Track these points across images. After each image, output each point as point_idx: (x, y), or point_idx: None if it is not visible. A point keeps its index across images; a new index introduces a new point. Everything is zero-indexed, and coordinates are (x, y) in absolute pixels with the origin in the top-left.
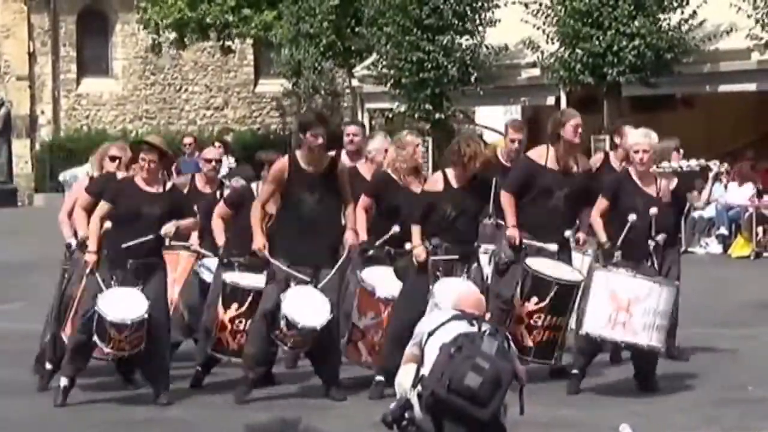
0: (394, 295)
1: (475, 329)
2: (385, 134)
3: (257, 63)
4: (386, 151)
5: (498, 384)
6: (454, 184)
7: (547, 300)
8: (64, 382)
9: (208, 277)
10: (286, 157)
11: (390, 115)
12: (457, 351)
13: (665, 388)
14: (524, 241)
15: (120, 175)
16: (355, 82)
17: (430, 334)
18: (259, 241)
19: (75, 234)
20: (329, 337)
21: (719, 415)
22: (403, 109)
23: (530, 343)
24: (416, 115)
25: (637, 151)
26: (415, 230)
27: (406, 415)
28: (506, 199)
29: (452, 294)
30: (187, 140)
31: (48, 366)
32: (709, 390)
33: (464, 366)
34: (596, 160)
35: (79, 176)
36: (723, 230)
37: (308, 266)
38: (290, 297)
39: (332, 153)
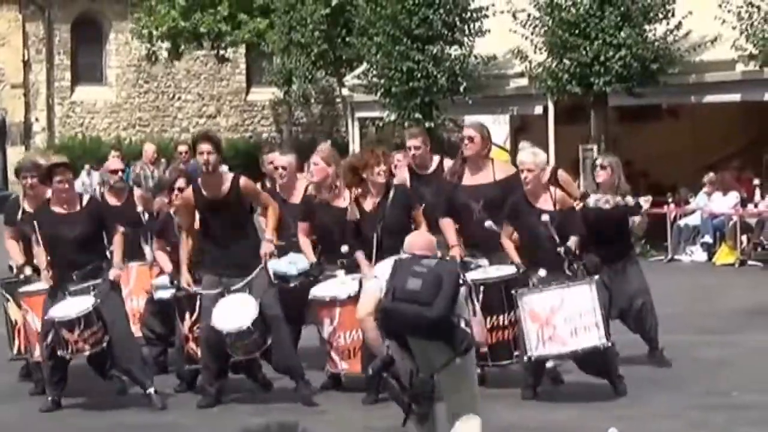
0: (335, 295)
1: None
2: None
3: (249, 72)
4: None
5: (439, 284)
6: (367, 207)
7: (479, 302)
8: (51, 398)
9: (163, 295)
10: (190, 186)
11: (380, 124)
12: (398, 268)
13: (651, 393)
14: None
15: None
16: (345, 91)
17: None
18: (184, 280)
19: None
20: (276, 336)
21: (704, 421)
22: (393, 117)
23: (484, 348)
24: (406, 124)
25: (522, 171)
26: (448, 226)
27: (388, 367)
28: (443, 224)
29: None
30: (182, 148)
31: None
32: (694, 396)
33: (404, 275)
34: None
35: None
36: (708, 238)
37: (234, 277)
38: (218, 309)
39: (232, 174)
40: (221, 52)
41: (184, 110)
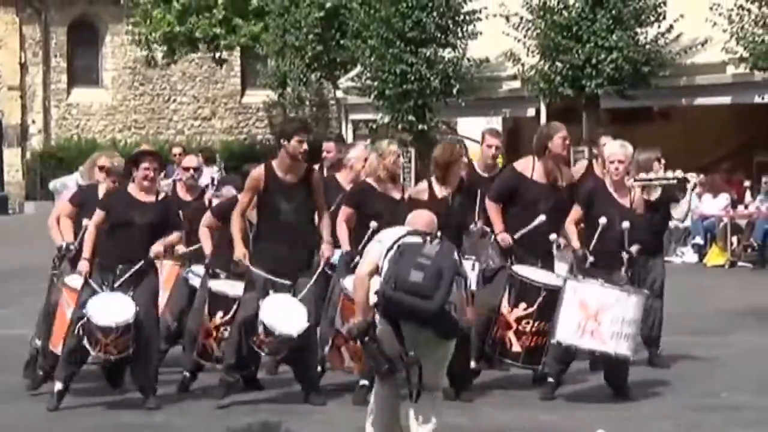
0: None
1: (421, 240)
2: (365, 144)
3: (244, 74)
4: (365, 160)
5: (440, 277)
6: (439, 193)
7: (536, 306)
8: (58, 386)
9: (197, 283)
10: (263, 165)
11: (374, 126)
12: (400, 256)
13: (642, 395)
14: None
15: (103, 186)
16: (339, 94)
17: (388, 250)
18: (239, 251)
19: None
20: (307, 345)
21: (696, 422)
22: (386, 120)
23: (519, 349)
24: (399, 126)
25: (612, 162)
26: None
27: (370, 332)
28: (492, 208)
29: (395, 232)
30: (176, 150)
31: (40, 372)
32: (686, 397)
33: (408, 266)
34: (579, 168)
35: (68, 184)
36: (698, 240)
37: (286, 274)
38: (268, 304)
39: (309, 164)
40: (217, 54)
41: (180, 112)
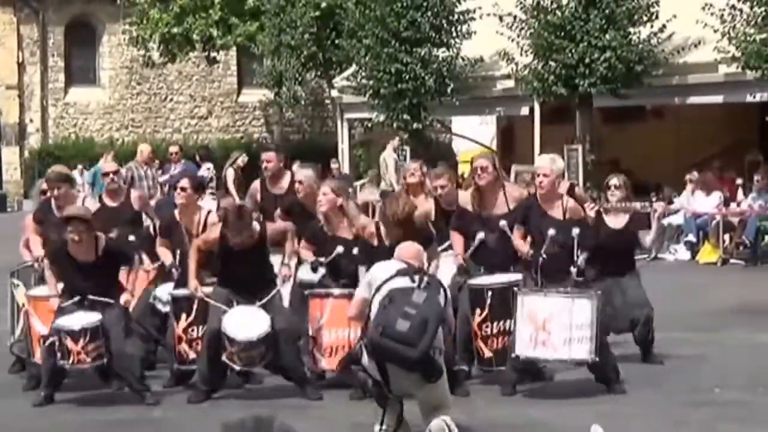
0: (332, 289)
1: (412, 284)
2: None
3: (240, 73)
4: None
5: (425, 327)
6: (387, 241)
7: (487, 308)
8: (45, 393)
9: (163, 308)
10: (217, 230)
11: (369, 125)
12: (390, 303)
13: (633, 390)
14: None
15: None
16: (335, 93)
17: (377, 289)
18: (191, 285)
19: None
20: (284, 348)
21: (687, 418)
22: (381, 118)
23: (489, 353)
24: (394, 125)
25: (538, 175)
26: (457, 239)
27: (358, 362)
28: (452, 236)
29: (379, 271)
30: (173, 149)
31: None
32: (677, 393)
33: (395, 314)
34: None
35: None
36: (691, 237)
37: (248, 294)
38: (229, 316)
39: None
40: (212, 54)
41: (176, 111)
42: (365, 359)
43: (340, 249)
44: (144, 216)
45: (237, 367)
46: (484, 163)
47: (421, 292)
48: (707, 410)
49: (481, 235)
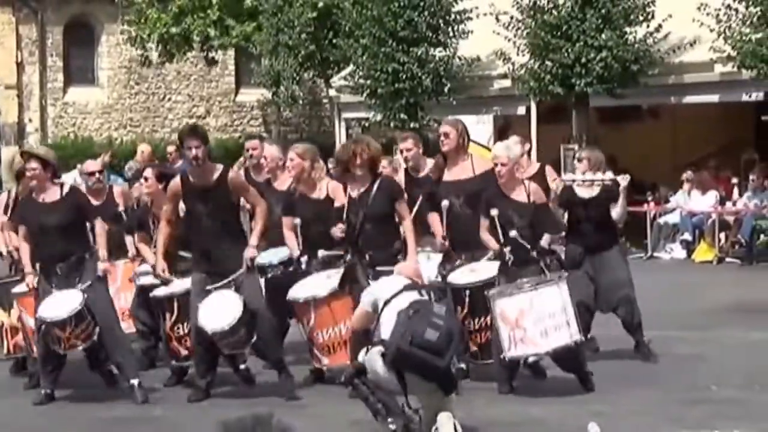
0: (312, 294)
1: (426, 297)
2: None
3: (238, 73)
4: (280, 160)
5: (451, 338)
6: (353, 192)
7: (466, 305)
8: (45, 391)
9: (144, 281)
10: (179, 175)
11: (366, 124)
12: (415, 313)
13: (629, 388)
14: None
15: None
16: (332, 92)
17: (386, 303)
18: (158, 266)
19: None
20: (263, 329)
21: (683, 415)
22: (378, 118)
23: (475, 347)
24: (392, 124)
25: (496, 164)
26: (434, 220)
27: (360, 376)
28: (430, 218)
29: (385, 287)
30: (170, 148)
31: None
32: (673, 390)
33: (423, 324)
34: (531, 170)
35: (65, 181)
36: (687, 236)
37: (221, 272)
38: (203, 306)
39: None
40: (210, 54)
41: (175, 111)
42: (379, 370)
43: (297, 221)
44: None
45: (225, 352)
46: (446, 129)
47: (441, 304)
48: (703, 408)
49: (445, 203)
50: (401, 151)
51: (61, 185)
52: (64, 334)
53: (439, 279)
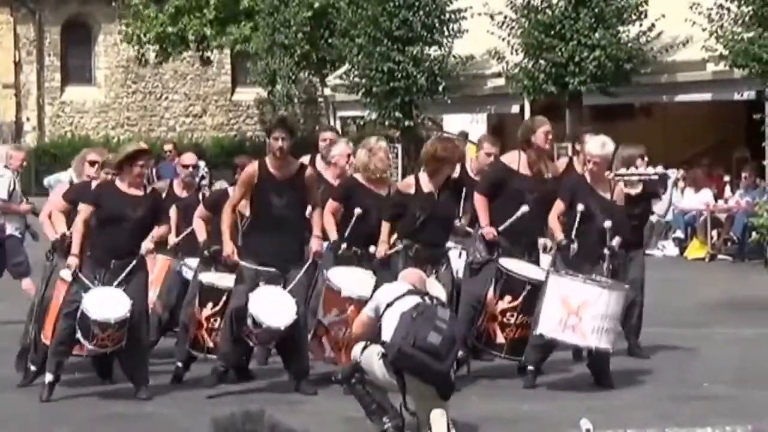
0: (359, 295)
1: (429, 301)
2: (347, 140)
3: (234, 72)
4: (348, 156)
5: (453, 342)
6: (425, 188)
7: (520, 299)
8: (49, 378)
9: (190, 275)
10: (256, 162)
11: (361, 123)
12: (419, 315)
13: (622, 385)
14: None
15: (94, 183)
16: (328, 91)
17: (388, 305)
18: (227, 248)
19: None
20: (297, 335)
21: (675, 411)
22: (374, 116)
23: (503, 340)
24: (386, 123)
25: (590, 159)
26: (384, 227)
27: (356, 375)
28: (479, 200)
29: (388, 291)
30: (167, 147)
31: (31, 367)
32: (666, 387)
33: (427, 327)
34: (560, 165)
35: (63, 180)
36: (679, 233)
37: (277, 265)
38: (257, 296)
39: (303, 159)
40: (207, 53)
41: (171, 110)
42: (376, 369)
43: (358, 211)
44: None
45: (251, 343)
46: (549, 127)
47: (443, 309)
48: (696, 404)
49: (525, 208)
50: (488, 155)
51: (144, 184)
52: (102, 335)
53: (480, 258)
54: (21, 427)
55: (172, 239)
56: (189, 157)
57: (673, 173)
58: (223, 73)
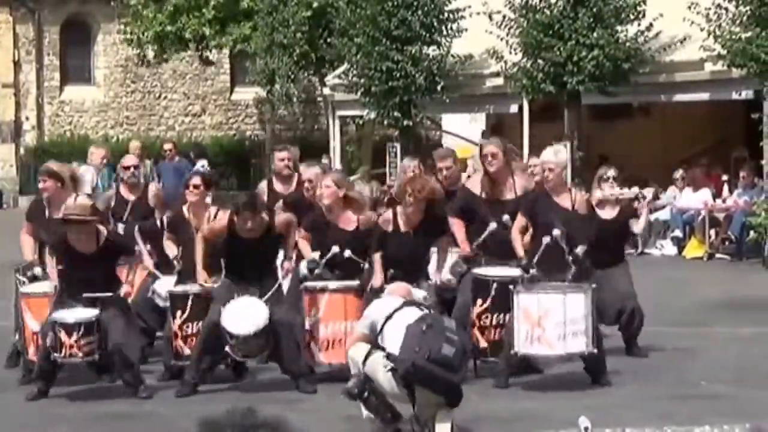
0: (326, 284)
1: (428, 312)
2: (318, 166)
3: (233, 72)
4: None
5: (465, 352)
6: (403, 226)
7: (489, 299)
8: (39, 387)
9: (161, 303)
10: (227, 216)
11: (360, 122)
12: (428, 328)
13: (621, 383)
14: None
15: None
16: (326, 91)
17: (387, 318)
18: (200, 277)
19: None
20: (284, 341)
21: (673, 410)
22: (372, 116)
23: (485, 344)
24: (385, 122)
25: (544, 169)
26: (376, 258)
27: (367, 387)
28: (453, 223)
29: (381, 306)
30: (167, 146)
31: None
32: (664, 386)
33: (439, 339)
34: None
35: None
36: (678, 233)
37: (250, 287)
38: (228, 309)
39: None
40: (206, 53)
41: (170, 109)
42: (388, 385)
43: (335, 249)
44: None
45: (237, 358)
46: (494, 149)
47: (449, 319)
48: (694, 403)
49: (493, 226)
50: (441, 169)
51: (97, 231)
52: (69, 340)
53: (453, 280)
54: (20, 427)
55: (148, 263)
56: (129, 159)
57: (648, 193)
58: (222, 72)
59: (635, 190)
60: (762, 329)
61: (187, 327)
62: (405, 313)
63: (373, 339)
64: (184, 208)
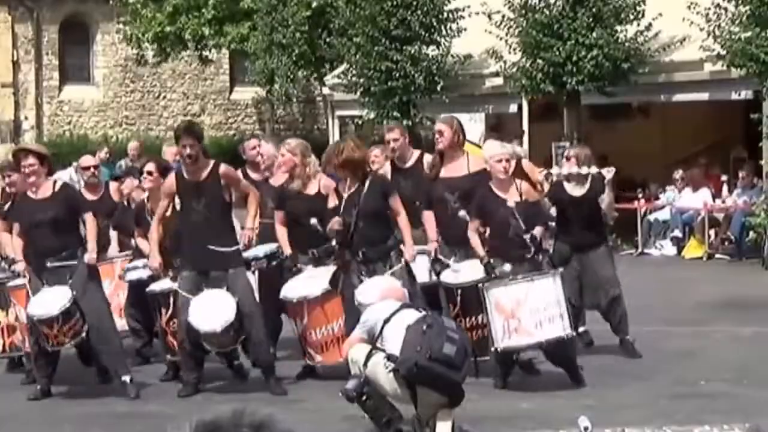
0: (304, 294)
1: (428, 314)
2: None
3: (233, 71)
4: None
5: (466, 351)
6: (345, 192)
7: (458, 305)
8: (40, 386)
9: (133, 276)
10: (173, 173)
11: (359, 122)
12: (429, 328)
13: (620, 383)
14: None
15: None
16: (326, 90)
17: (386, 321)
18: (153, 262)
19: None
20: (253, 330)
21: (673, 409)
22: (372, 116)
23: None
24: (384, 122)
25: (500, 161)
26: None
27: (365, 389)
28: (425, 216)
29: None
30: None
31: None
32: (664, 385)
33: (440, 338)
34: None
35: (62, 178)
36: (677, 233)
37: (214, 268)
38: (195, 304)
39: (213, 161)
40: (205, 53)
41: (170, 109)
42: (389, 386)
43: (313, 221)
44: None
45: (213, 350)
46: (441, 127)
47: (448, 319)
48: (693, 403)
49: (462, 213)
50: (388, 142)
51: (54, 181)
52: (52, 332)
53: (433, 278)
54: (20, 426)
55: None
56: (87, 159)
57: (608, 173)
58: (221, 72)
59: (594, 168)
60: (761, 329)
61: (174, 323)
62: (404, 315)
63: (371, 343)
64: (144, 199)
